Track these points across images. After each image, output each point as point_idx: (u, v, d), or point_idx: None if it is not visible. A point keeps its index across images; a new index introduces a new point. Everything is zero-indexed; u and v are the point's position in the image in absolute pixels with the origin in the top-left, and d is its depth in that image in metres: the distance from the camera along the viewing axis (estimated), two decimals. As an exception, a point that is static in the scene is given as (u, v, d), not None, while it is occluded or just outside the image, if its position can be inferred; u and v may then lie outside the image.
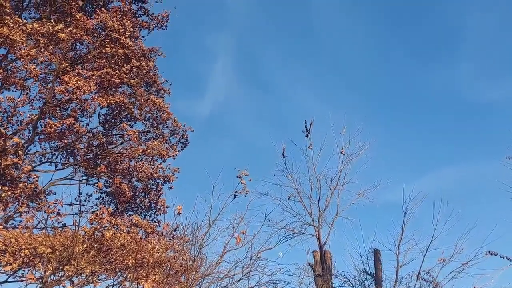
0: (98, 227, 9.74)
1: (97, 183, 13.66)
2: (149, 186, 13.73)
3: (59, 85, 11.73)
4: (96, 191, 13.72)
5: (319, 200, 15.67)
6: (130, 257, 9.88)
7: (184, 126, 13.89)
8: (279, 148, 16.21)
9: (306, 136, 16.32)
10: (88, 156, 13.47)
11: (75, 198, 13.34)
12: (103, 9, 13.29)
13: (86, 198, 13.65)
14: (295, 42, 41.67)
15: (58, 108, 12.89)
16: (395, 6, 39.07)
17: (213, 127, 38.92)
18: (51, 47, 11.31)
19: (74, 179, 13.75)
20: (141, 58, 13.77)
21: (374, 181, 16.23)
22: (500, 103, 33.91)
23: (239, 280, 11.10)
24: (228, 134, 38.66)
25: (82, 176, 13.68)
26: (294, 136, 16.32)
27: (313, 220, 15.58)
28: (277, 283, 11.89)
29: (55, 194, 13.51)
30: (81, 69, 12.32)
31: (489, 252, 13.81)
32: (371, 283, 15.23)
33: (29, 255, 8.79)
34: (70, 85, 11.29)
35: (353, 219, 15.64)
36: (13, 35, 10.39)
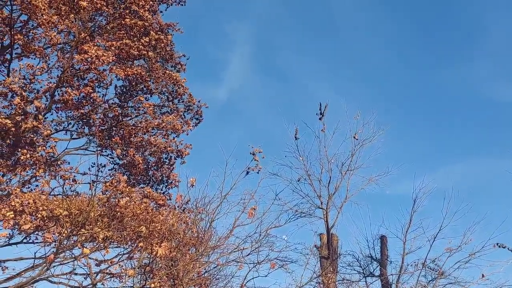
0: (113, 194, 9.87)
1: (110, 154, 13.81)
2: (162, 159, 13.85)
3: (78, 54, 11.79)
4: (110, 163, 13.88)
5: (329, 184, 15.79)
6: (143, 226, 10.01)
7: (199, 102, 13.98)
8: (291, 131, 16.29)
9: (320, 119, 16.36)
10: (103, 127, 13.60)
11: (89, 168, 13.51)
12: (124, -20, 13.29)
13: (100, 168, 13.79)
14: (313, 34, 41.66)
15: (75, 78, 12.98)
16: (415, 3, 38.71)
17: (228, 112, 39.10)
18: (72, 15, 11.35)
19: (88, 150, 13.92)
20: (159, 32, 13.82)
21: (385, 168, 16.30)
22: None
23: (248, 255, 11.26)
24: (242, 120, 38.88)
25: (96, 147, 13.82)
26: (307, 121, 16.26)
27: (321, 203, 15.71)
28: (285, 260, 12.02)
29: (69, 163, 13.68)
30: (100, 40, 12.37)
31: (497, 244, 13.86)
32: (376, 268, 15.36)
33: (45, 217, 8.95)
34: (89, 54, 11.35)
35: (362, 204, 15.76)
36: (35, 1, 10.44)
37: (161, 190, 13.93)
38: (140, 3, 12.89)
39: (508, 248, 13.82)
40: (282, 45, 42.33)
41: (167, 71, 13.50)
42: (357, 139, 16.09)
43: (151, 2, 13.55)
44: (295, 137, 16.23)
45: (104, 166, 13.99)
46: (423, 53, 39.15)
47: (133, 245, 10.73)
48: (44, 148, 10.74)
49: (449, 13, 38.27)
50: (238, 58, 41.17)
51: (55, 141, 11.51)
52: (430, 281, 13.98)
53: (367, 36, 40.65)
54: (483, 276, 13.08)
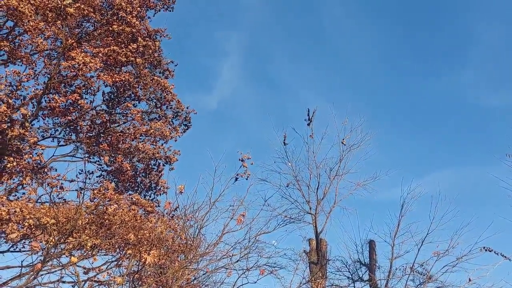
0: (101, 201, 9.81)
1: (98, 161, 13.71)
2: (150, 166, 13.79)
3: (65, 61, 11.72)
4: (98, 169, 13.77)
5: (317, 189, 15.88)
6: (131, 233, 9.95)
7: (187, 108, 13.94)
8: (280, 136, 16.37)
9: (308, 124, 16.48)
10: (91, 134, 13.50)
11: (76, 175, 13.40)
12: (111, -14, 13.26)
13: (88, 175, 13.66)
14: (304, 42, 42.11)
15: (62, 85, 12.88)
16: (404, 11, 39.36)
17: (220, 119, 39.29)
18: (59, 21, 11.29)
19: (75, 157, 13.78)
20: (147, 38, 13.79)
21: (373, 173, 16.45)
22: (501, 109, 34.40)
23: (237, 261, 11.25)
24: (234, 127, 39.10)
25: (84, 154, 13.71)
26: (297, 127, 16.36)
27: (310, 208, 15.76)
28: (274, 266, 12.03)
29: (56, 170, 13.54)
30: (88, 46, 12.32)
31: (483, 248, 14.01)
32: (364, 273, 15.43)
33: (32, 226, 8.85)
34: (77, 60, 11.29)
35: (351, 209, 15.89)
36: (21, 7, 10.36)
37: (150, 197, 13.85)
38: (128, 9, 12.86)
39: (494, 252, 13.97)
40: (272, 53, 42.77)
41: (155, 78, 13.45)
42: (345, 145, 16.25)
43: (138, 9, 13.53)
44: (284, 142, 16.33)
45: (92, 173, 13.89)
46: (411, 60, 39.79)
47: (121, 252, 10.66)
48: (31, 155, 10.64)
49: (437, 22, 39.00)
50: (229, 66, 41.49)
51: (42, 148, 11.41)
52: (418, 285, 14.10)
53: (356, 43, 41.24)
54: (470, 280, 13.21)
